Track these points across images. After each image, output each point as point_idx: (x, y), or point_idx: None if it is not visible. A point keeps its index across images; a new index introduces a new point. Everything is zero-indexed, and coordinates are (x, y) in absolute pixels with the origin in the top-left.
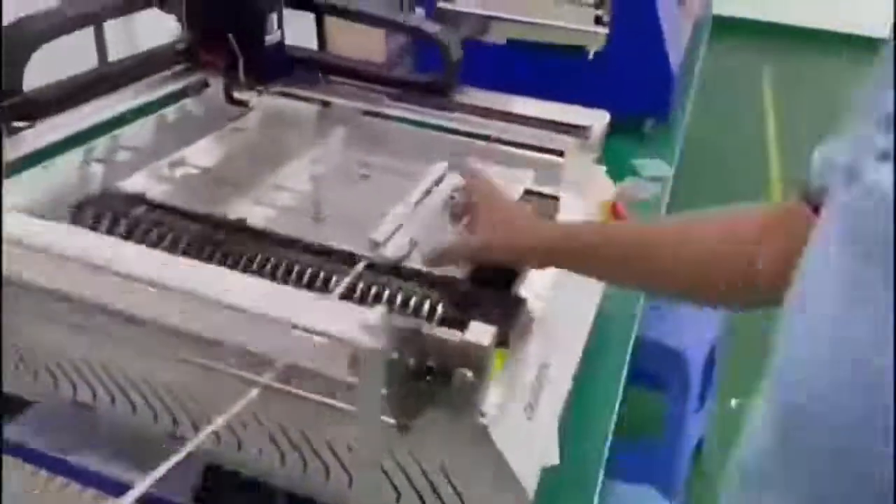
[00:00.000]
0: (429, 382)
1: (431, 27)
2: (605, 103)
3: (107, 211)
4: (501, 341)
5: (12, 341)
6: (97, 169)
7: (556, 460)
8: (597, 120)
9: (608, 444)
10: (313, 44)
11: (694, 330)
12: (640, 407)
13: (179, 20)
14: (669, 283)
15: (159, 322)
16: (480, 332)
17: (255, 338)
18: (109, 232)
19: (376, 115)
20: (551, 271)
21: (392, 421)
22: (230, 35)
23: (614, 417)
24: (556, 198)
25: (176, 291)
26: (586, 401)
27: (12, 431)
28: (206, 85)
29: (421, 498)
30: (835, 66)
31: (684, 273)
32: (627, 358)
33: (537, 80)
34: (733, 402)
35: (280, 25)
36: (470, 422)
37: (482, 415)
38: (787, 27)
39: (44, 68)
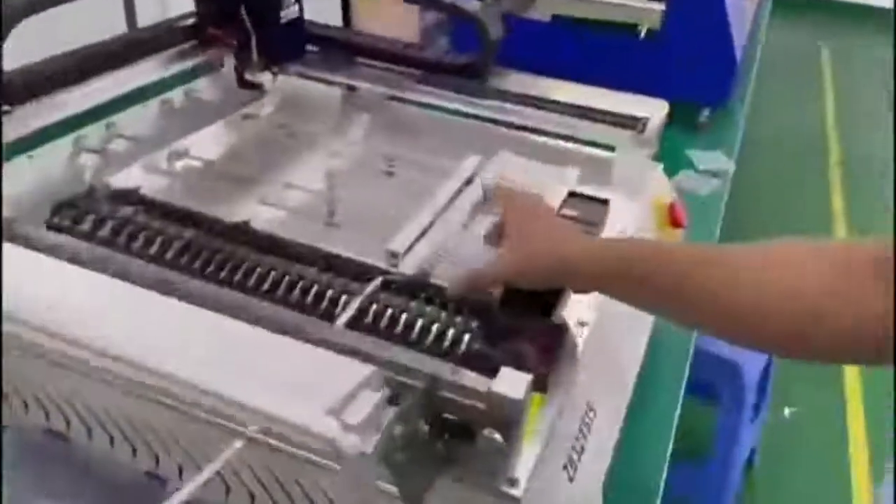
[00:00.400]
0: (446, 443)
1: (469, 2)
2: (658, 89)
3: (89, 213)
4: (539, 384)
5: None
6: (88, 160)
7: None
8: (654, 110)
9: (665, 472)
10: (338, 21)
11: None
12: (690, 418)
13: None
14: (752, 327)
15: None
16: (513, 382)
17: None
18: (90, 237)
19: (404, 101)
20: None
21: (396, 492)
22: (242, 9)
23: (672, 439)
24: (604, 201)
25: (110, 358)
26: (641, 420)
27: None
28: (217, 66)
29: None
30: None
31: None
32: (686, 374)
33: (584, 63)
34: (787, 411)
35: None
36: (497, 494)
37: (512, 484)
38: (844, 3)
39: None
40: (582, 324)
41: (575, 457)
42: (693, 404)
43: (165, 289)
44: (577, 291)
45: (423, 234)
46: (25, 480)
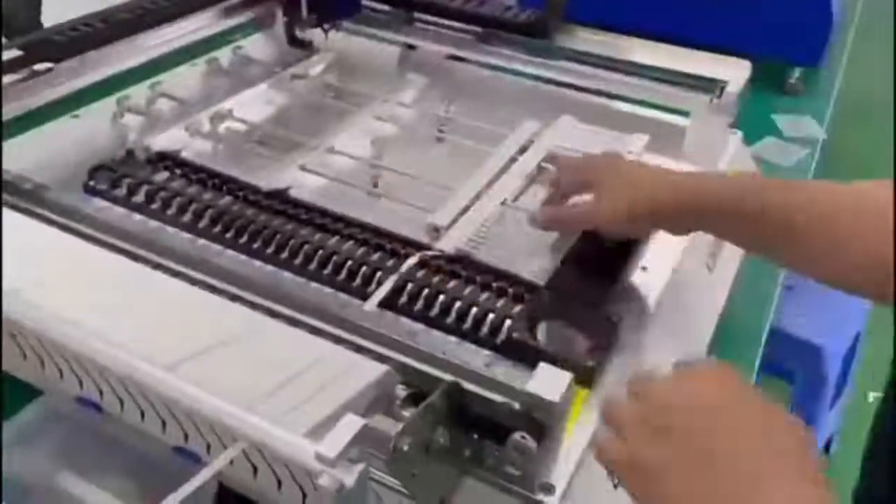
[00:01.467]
0: (474, 443)
1: None
2: (744, 45)
3: (126, 176)
4: (584, 378)
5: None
6: (131, 121)
7: None
8: (735, 72)
9: None
10: None
11: (836, 319)
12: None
13: None
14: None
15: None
16: (551, 380)
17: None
18: (125, 203)
19: (463, 60)
20: (665, 266)
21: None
22: None
23: None
24: None
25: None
26: None
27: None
28: (268, 23)
29: None
30: None
31: None
32: (759, 357)
33: (658, 18)
34: (871, 396)
35: None
36: (529, 501)
37: (547, 490)
38: None
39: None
40: (639, 307)
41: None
42: (768, 383)
43: (195, 260)
44: (676, 233)
45: (468, 207)
46: (51, 452)
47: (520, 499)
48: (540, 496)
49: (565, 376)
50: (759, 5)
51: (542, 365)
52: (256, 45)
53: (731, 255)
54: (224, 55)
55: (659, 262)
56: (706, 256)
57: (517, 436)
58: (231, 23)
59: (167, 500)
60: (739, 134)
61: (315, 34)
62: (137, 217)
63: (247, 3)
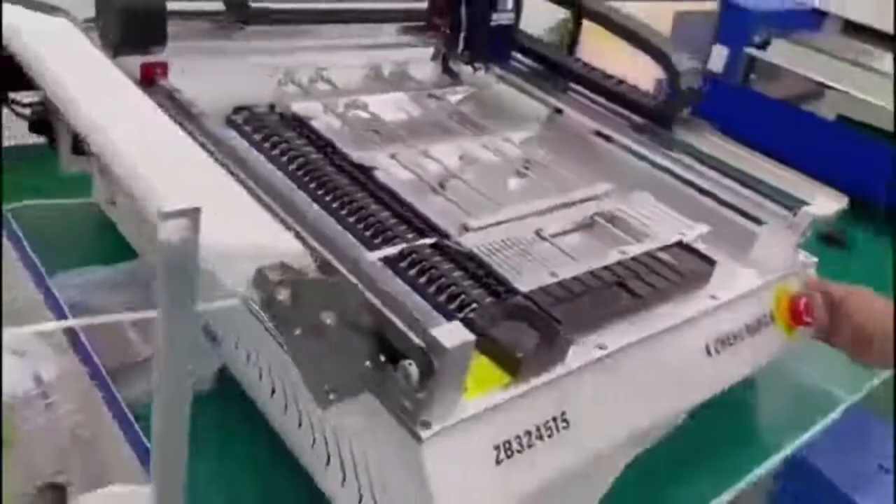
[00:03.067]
0: (377, 361)
1: (673, 51)
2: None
3: (255, 119)
4: (510, 366)
5: None
6: (289, 90)
7: None
8: (827, 201)
9: None
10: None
11: None
12: None
13: None
14: None
15: None
16: (452, 332)
17: None
18: (247, 137)
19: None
20: None
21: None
22: (462, 3)
23: None
24: (710, 260)
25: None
26: None
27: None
28: (438, 51)
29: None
30: None
31: None
32: None
33: (782, 139)
34: None
35: (516, 9)
36: (406, 427)
37: (424, 425)
38: None
39: None
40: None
41: (518, 447)
42: None
43: (263, 180)
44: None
45: (504, 222)
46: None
47: (399, 422)
48: (417, 428)
49: (467, 335)
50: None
51: (455, 322)
52: (417, 65)
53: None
54: (386, 64)
55: None
56: None
57: (407, 362)
58: (403, 40)
59: None
60: (805, 254)
61: (464, 69)
62: (251, 149)
63: (423, 28)
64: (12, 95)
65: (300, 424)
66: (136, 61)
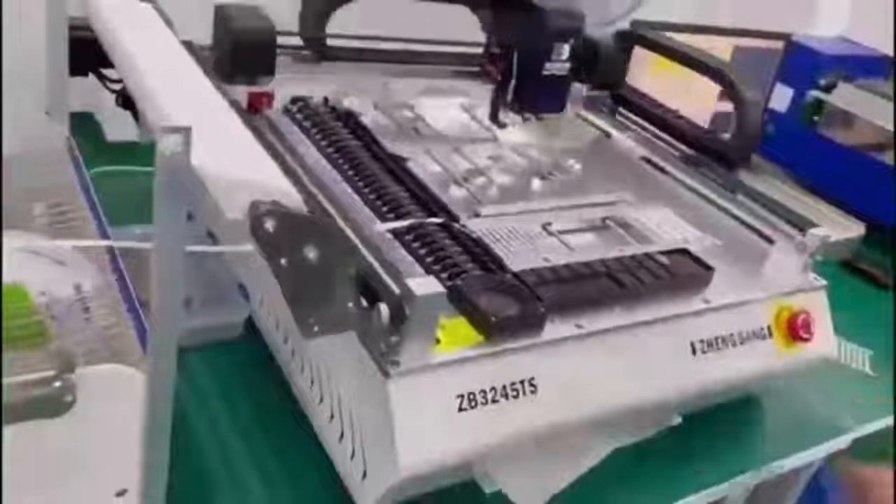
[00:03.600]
0: (356, 307)
1: (740, 78)
2: None
3: (307, 109)
4: (483, 326)
5: None
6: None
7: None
8: (840, 227)
9: None
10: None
11: None
12: None
13: (482, 23)
14: None
15: None
16: (426, 285)
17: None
18: (298, 124)
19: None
20: None
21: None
22: (515, 52)
23: None
24: (708, 267)
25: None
26: None
27: None
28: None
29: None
30: None
31: None
32: None
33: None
34: None
35: (573, 60)
36: (377, 363)
37: (393, 364)
38: None
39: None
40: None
41: (483, 399)
42: None
43: (305, 163)
44: None
45: (514, 214)
46: None
47: (371, 358)
48: (387, 366)
49: (438, 287)
50: None
51: (430, 276)
52: (466, 104)
53: None
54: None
55: None
56: None
57: (382, 306)
58: (455, 84)
59: None
60: (814, 276)
61: (514, 118)
62: (298, 132)
63: (477, 74)
64: (105, 72)
65: (302, 369)
66: (243, 90)
